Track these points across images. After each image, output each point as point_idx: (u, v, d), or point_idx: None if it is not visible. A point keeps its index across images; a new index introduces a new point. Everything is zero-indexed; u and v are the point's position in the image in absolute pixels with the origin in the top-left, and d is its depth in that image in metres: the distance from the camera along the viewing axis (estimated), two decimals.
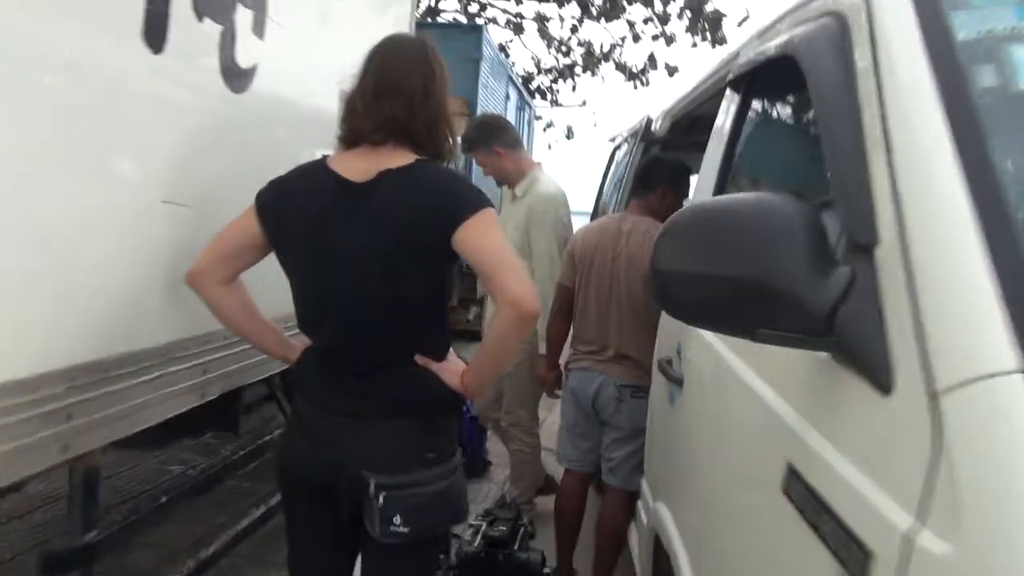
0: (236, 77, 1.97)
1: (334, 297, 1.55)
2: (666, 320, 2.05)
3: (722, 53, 2.50)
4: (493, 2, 14.79)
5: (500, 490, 3.86)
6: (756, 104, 1.87)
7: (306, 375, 1.64)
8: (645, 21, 14.09)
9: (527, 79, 15.95)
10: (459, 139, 2.13)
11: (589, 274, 2.81)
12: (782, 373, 1.11)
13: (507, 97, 9.53)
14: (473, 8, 14.74)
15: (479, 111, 7.70)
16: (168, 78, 1.68)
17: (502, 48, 14.92)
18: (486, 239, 1.50)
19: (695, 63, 21.19)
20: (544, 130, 17.20)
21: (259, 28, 2.07)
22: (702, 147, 2.92)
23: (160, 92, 1.66)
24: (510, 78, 9.96)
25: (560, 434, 3.00)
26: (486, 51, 7.98)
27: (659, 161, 3.05)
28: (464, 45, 7.71)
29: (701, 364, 1.58)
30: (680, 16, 13.78)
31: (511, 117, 9.46)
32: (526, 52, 22.50)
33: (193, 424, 2.13)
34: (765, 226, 0.92)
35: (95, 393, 1.55)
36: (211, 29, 1.84)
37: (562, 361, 3.09)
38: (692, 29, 13.85)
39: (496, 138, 3.41)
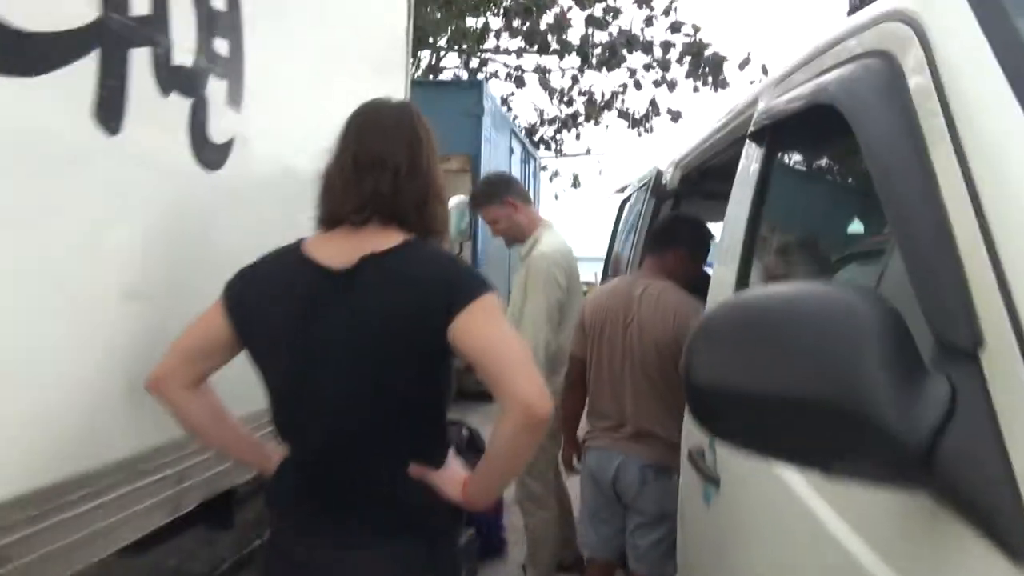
0: (210, 153, 1.80)
1: (315, 401, 1.35)
2: None
3: (731, 99, 2.34)
4: (494, 57, 14.88)
5: (518, 572, 3.59)
6: (784, 157, 1.68)
7: (283, 493, 1.43)
8: (646, 68, 14.11)
9: (531, 130, 15.97)
10: (450, 204, 1.94)
11: (600, 343, 2.59)
12: (856, 504, 0.89)
13: (511, 151, 9.46)
14: (474, 64, 14.83)
15: (483, 166, 7.61)
16: (127, 159, 1.50)
17: (504, 101, 14.98)
18: (487, 331, 1.30)
19: (698, 108, 21.29)
20: (550, 180, 17.21)
21: (236, 99, 1.91)
22: (715, 198, 2.73)
23: (117, 175, 1.49)
24: (513, 131, 9.91)
25: (581, 518, 2.76)
26: (487, 106, 7.93)
27: (679, 220, 2.85)
28: (465, 101, 7.67)
29: (741, 466, 1.36)
30: (680, 61, 13.78)
31: (516, 170, 9.39)
32: (528, 104, 22.69)
33: (179, 521, 1.92)
34: (834, 329, 0.71)
35: (43, 524, 1.34)
36: (179, 103, 1.67)
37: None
38: (693, 74, 13.83)
39: (507, 190, 3.35)
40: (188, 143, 1.72)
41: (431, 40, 13.08)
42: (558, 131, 16.41)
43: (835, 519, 0.92)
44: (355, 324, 1.32)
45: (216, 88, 1.82)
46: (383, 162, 1.37)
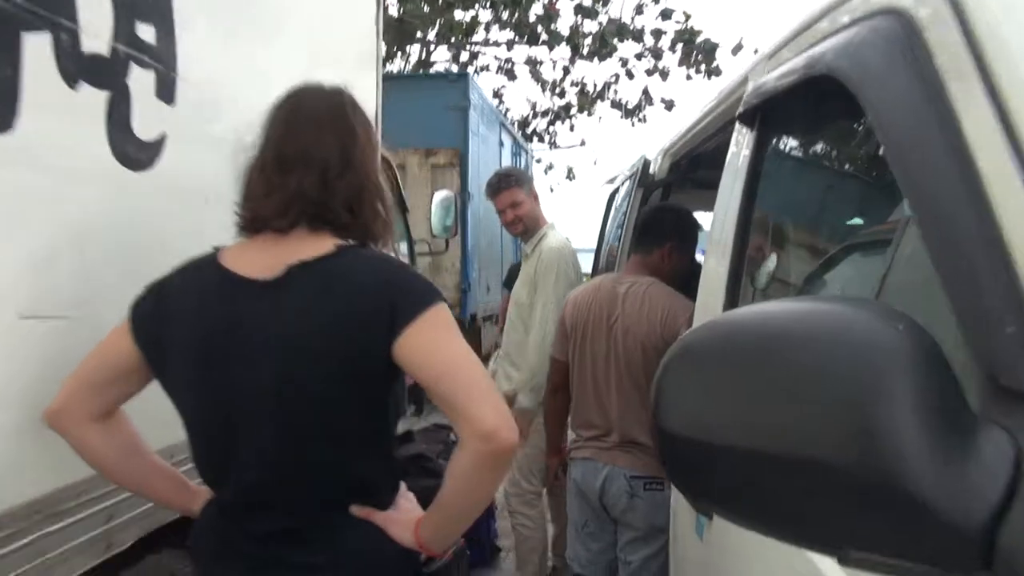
0: (134, 151, 1.60)
1: (240, 436, 1.16)
2: None
3: (720, 83, 2.15)
4: (484, 50, 14.63)
5: None
6: (777, 141, 1.49)
7: (208, 541, 1.24)
8: (638, 57, 13.88)
9: (524, 123, 15.74)
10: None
11: (583, 345, 2.40)
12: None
13: (500, 144, 9.26)
14: (464, 57, 14.57)
15: (471, 160, 7.43)
16: (22, 157, 1.31)
17: (496, 94, 14.74)
18: (439, 348, 1.11)
19: (692, 96, 21.08)
20: (545, 172, 17.04)
21: (166, 91, 1.71)
22: (706, 187, 2.54)
23: (9, 175, 1.30)
24: (503, 124, 9.70)
25: (568, 533, 2.58)
26: (474, 99, 7.72)
27: (666, 211, 2.65)
28: (451, 94, 7.48)
29: None
30: (672, 49, 13.54)
31: (507, 163, 9.21)
32: (521, 96, 22.46)
33: (143, 544, 1.74)
34: (853, 364, 0.52)
35: None
36: (92, 95, 1.48)
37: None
38: (685, 62, 13.60)
39: (531, 183, 3.57)
40: (105, 140, 1.52)
41: (419, 34, 12.83)
42: (551, 123, 16.21)
43: None
44: (283, 344, 1.13)
45: (141, 79, 1.62)
46: (309, 157, 1.18)
